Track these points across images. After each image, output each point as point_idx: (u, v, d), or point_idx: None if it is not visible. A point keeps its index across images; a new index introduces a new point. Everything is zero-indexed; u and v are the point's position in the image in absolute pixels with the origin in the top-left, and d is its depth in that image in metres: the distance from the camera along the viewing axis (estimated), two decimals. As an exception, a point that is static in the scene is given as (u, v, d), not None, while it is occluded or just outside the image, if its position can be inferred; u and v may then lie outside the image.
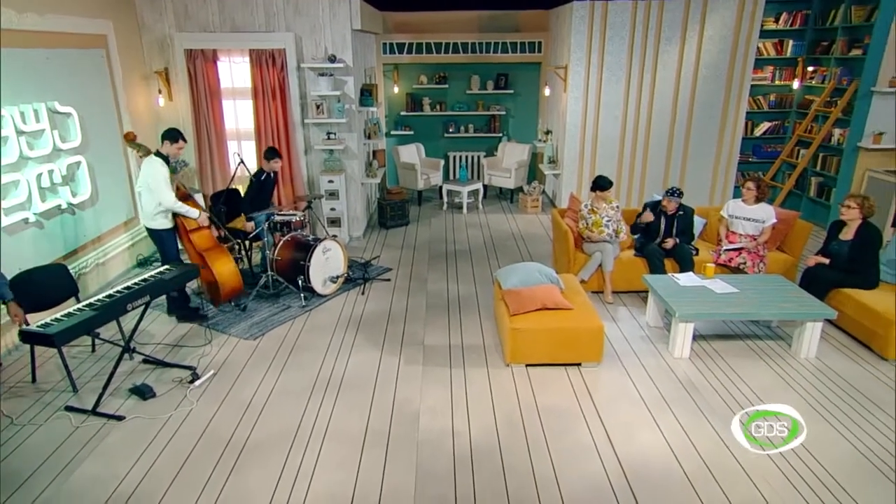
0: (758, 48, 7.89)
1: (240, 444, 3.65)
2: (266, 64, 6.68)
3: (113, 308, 4.06)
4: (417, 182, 9.13)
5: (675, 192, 5.64)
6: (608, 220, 5.70)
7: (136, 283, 4.33)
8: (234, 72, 6.92)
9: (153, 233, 5.14)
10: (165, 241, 5.14)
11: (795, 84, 8.47)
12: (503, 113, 10.09)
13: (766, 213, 5.53)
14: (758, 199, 5.58)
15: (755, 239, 5.55)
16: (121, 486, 3.30)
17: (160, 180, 4.86)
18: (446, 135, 10.20)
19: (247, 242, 6.19)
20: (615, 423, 3.83)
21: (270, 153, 5.96)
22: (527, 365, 4.52)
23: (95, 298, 4.12)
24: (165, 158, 4.94)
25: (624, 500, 3.16)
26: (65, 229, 5.30)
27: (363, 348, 4.86)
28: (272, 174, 6.02)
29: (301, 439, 3.70)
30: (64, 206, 5.23)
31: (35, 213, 4.87)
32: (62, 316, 3.88)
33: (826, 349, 4.73)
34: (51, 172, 5.05)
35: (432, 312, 5.52)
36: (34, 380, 4.34)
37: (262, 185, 5.94)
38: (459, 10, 9.27)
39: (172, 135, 4.96)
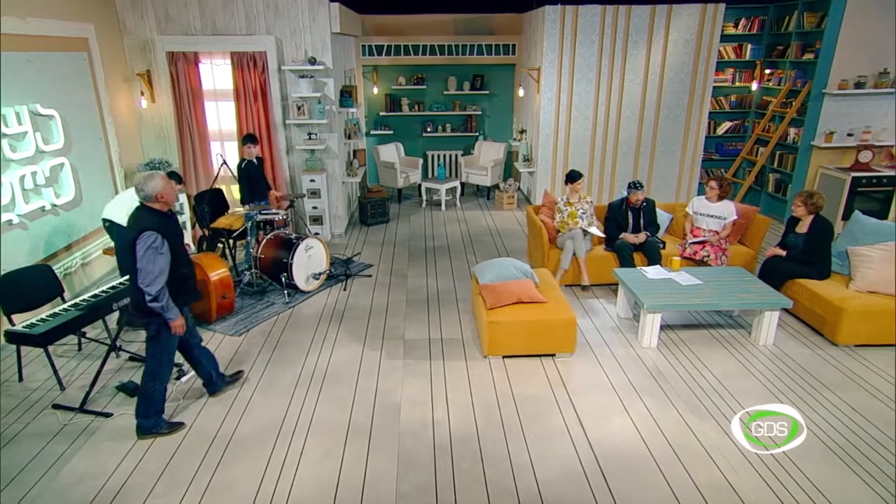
0: (719, 51, 8.18)
1: (226, 438, 3.72)
2: (247, 66, 6.72)
3: (99, 307, 4.12)
4: (397, 180, 9.24)
5: (636, 185, 5.82)
6: (582, 213, 5.91)
7: (121, 283, 4.40)
8: (216, 74, 6.93)
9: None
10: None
11: (754, 86, 8.77)
12: (479, 113, 10.26)
13: (728, 211, 5.78)
14: (720, 197, 5.82)
15: (718, 234, 5.80)
16: (109, 482, 3.34)
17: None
18: (425, 134, 10.33)
19: (231, 241, 6.26)
20: (587, 410, 4.00)
21: (245, 139, 6.19)
22: (503, 356, 4.65)
23: (81, 298, 4.18)
24: None
25: (596, 482, 3.33)
26: (49, 230, 5.27)
27: (346, 343, 4.95)
28: (254, 160, 6.22)
29: (286, 432, 3.78)
30: (48, 207, 5.21)
31: (19, 215, 4.87)
32: (48, 316, 3.94)
33: (783, 336, 4.97)
34: (34, 174, 5.04)
35: (412, 307, 5.64)
36: (21, 379, 4.36)
37: (247, 172, 6.15)
38: (436, 14, 9.42)
39: (174, 177, 5.08)
